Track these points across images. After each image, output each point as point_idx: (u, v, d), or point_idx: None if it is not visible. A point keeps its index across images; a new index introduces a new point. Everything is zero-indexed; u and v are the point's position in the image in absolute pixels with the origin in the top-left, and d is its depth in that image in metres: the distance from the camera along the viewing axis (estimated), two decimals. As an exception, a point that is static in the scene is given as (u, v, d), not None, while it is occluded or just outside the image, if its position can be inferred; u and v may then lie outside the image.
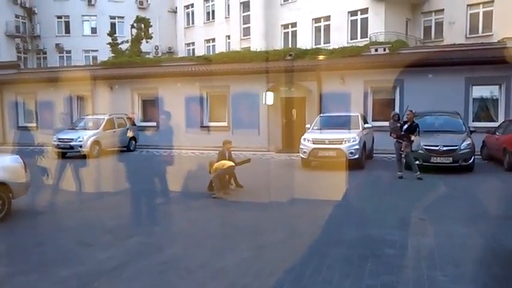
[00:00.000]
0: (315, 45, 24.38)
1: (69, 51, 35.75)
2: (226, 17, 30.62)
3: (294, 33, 26.68)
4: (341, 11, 24.20)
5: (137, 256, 5.21)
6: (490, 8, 22.33)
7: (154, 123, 18.82)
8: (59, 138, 15.23)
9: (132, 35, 28.53)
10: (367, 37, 22.72)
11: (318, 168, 12.32)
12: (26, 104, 22.58)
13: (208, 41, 32.36)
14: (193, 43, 33.63)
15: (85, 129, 16.77)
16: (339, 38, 23.51)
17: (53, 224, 7.05)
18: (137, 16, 29.21)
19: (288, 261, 4.93)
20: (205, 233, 6.31)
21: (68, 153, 15.07)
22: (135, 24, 28.35)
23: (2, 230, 6.49)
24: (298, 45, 23.68)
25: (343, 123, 12.98)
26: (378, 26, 22.68)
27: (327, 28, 25.22)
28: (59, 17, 36.01)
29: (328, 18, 25.06)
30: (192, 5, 33.58)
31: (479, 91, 15.86)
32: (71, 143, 15.56)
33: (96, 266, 4.95)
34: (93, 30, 36.05)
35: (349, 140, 11.93)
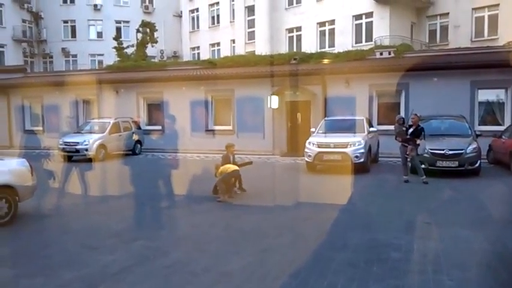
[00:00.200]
0: (320, 49, 24.40)
1: (75, 55, 36.02)
2: (231, 21, 30.74)
3: (299, 37, 26.73)
4: (346, 15, 24.22)
5: (142, 260, 5.22)
6: (496, 12, 22.26)
7: (159, 127, 18.85)
8: (65, 142, 15.33)
9: (137, 39, 28.74)
10: (372, 41, 22.71)
11: (323, 172, 12.29)
12: (32, 107, 22.73)
13: (213, 45, 32.50)
14: (198, 47, 33.79)
15: (91, 132, 16.84)
16: (344, 42, 23.52)
17: (58, 227, 7.08)
18: (143, 20, 29.44)
19: (293, 266, 4.91)
20: (209, 237, 6.31)
21: (74, 156, 15.14)
22: (140, 29, 28.58)
23: (8, 232, 6.52)
24: (303, 49, 23.72)
25: (348, 127, 12.95)
26: (382, 30, 22.67)
27: (332, 32, 25.24)
28: (66, 22, 36.30)
29: (332, 22, 25.09)
30: (197, 10, 33.77)
31: (485, 95, 15.77)
32: (77, 147, 15.62)
33: (101, 269, 4.95)
34: (99, 35, 36.31)
35: (354, 143, 11.90)
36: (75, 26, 36.24)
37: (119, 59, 27.85)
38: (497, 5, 22.05)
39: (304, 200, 8.69)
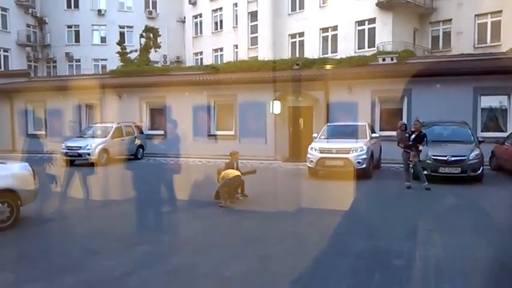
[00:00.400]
0: (322, 54, 24.47)
1: (78, 60, 36.19)
2: (234, 27, 30.84)
3: (302, 43, 26.81)
4: (348, 20, 24.29)
5: (144, 264, 5.21)
6: (498, 18, 22.28)
7: (162, 132, 18.93)
8: (67, 146, 15.37)
9: (140, 44, 28.88)
10: (374, 47, 22.77)
11: (325, 177, 12.27)
12: (35, 111, 22.80)
13: (216, 50, 32.60)
14: (201, 52, 33.89)
15: (93, 137, 16.87)
16: (346, 48, 23.55)
17: (60, 231, 7.09)
18: (146, 26, 29.58)
19: (294, 272, 4.90)
20: (211, 242, 6.29)
21: (76, 161, 15.14)
22: (144, 34, 28.70)
23: (10, 237, 6.53)
24: (306, 55, 23.76)
25: (351, 133, 12.93)
26: (385, 36, 22.72)
27: (334, 38, 25.31)
28: (69, 27, 36.52)
29: (335, 28, 25.16)
30: (201, 15, 33.91)
31: (488, 101, 15.75)
32: (79, 151, 15.65)
33: (103, 273, 4.95)
34: (103, 40, 36.48)
35: (356, 149, 11.88)
36: (79, 30, 36.44)
37: (122, 63, 27.96)
38: (500, 11, 22.08)
39: (306, 206, 8.68)
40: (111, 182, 12.69)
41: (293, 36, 27.31)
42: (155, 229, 7.24)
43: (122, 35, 34.73)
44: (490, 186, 10.92)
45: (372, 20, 23.63)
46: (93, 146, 15.90)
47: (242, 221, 7.64)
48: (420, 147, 10.58)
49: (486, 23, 22.83)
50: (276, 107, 17.20)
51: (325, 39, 25.88)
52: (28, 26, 35.38)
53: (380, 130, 16.06)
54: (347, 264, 5.14)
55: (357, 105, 16.36)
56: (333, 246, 5.99)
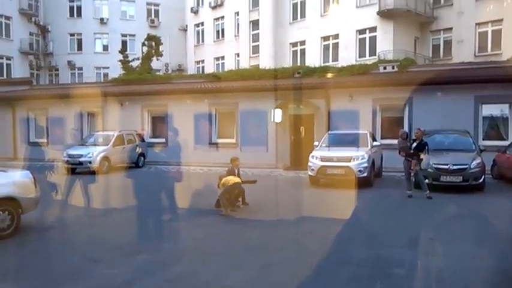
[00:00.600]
0: (324, 63, 24.54)
1: (80, 68, 36.34)
2: (235, 35, 31.02)
3: (303, 51, 26.92)
4: (350, 29, 24.40)
5: (144, 273, 5.20)
6: (499, 27, 22.38)
7: (163, 140, 18.94)
8: (68, 154, 15.38)
9: (142, 52, 29.01)
10: (375, 55, 22.84)
11: (326, 186, 12.25)
12: (37, 119, 22.87)
13: (217, 58, 32.76)
14: (202, 61, 34.06)
15: (95, 145, 16.91)
16: (348, 56, 23.63)
17: (61, 239, 7.08)
18: (148, 34, 29.74)
19: (295, 280, 4.88)
20: (211, 251, 6.28)
21: (78, 169, 15.16)
22: (146, 42, 28.85)
23: (11, 245, 6.52)
24: (307, 63, 23.85)
25: (352, 141, 12.93)
26: (386, 44, 22.81)
27: (336, 46, 25.41)
28: (72, 35, 36.72)
29: (336, 36, 25.27)
30: (202, 24, 34.13)
31: (489, 109, 15.75)
32: (81, 159, 15.66)
33: (104, 282, 4.94)
34: (105, 48, 36.67)
35: (357, 157, 11.87)
36: (81, 39, 36.64)
37: (124, 72, 28.09)
38: (501, 20, 22.18)
39: (307, 214, 8.65)
40: (112, 190, 12.69)
41: (294, 44, 27.43)
42: (156, 237, 7.22)
43: (124, 43, 34.87)
44: (491, 195, 10.89)
45: (373, 29, 23.75)
46: (94, 154, 15.92)
47: (243, 230, 7.62)
48: (421, 156, 10.56)
49: (487, 31, 22.93)
50: (277, 115, 17.22)
51: (326, 47, 25.99)
52: (31, 34, 35.60)
53: (381, 138, 16.05)
54: (348, 273, 5.12)
55: (358, 114, 16.37)
56: (334, 255, 5.97)
